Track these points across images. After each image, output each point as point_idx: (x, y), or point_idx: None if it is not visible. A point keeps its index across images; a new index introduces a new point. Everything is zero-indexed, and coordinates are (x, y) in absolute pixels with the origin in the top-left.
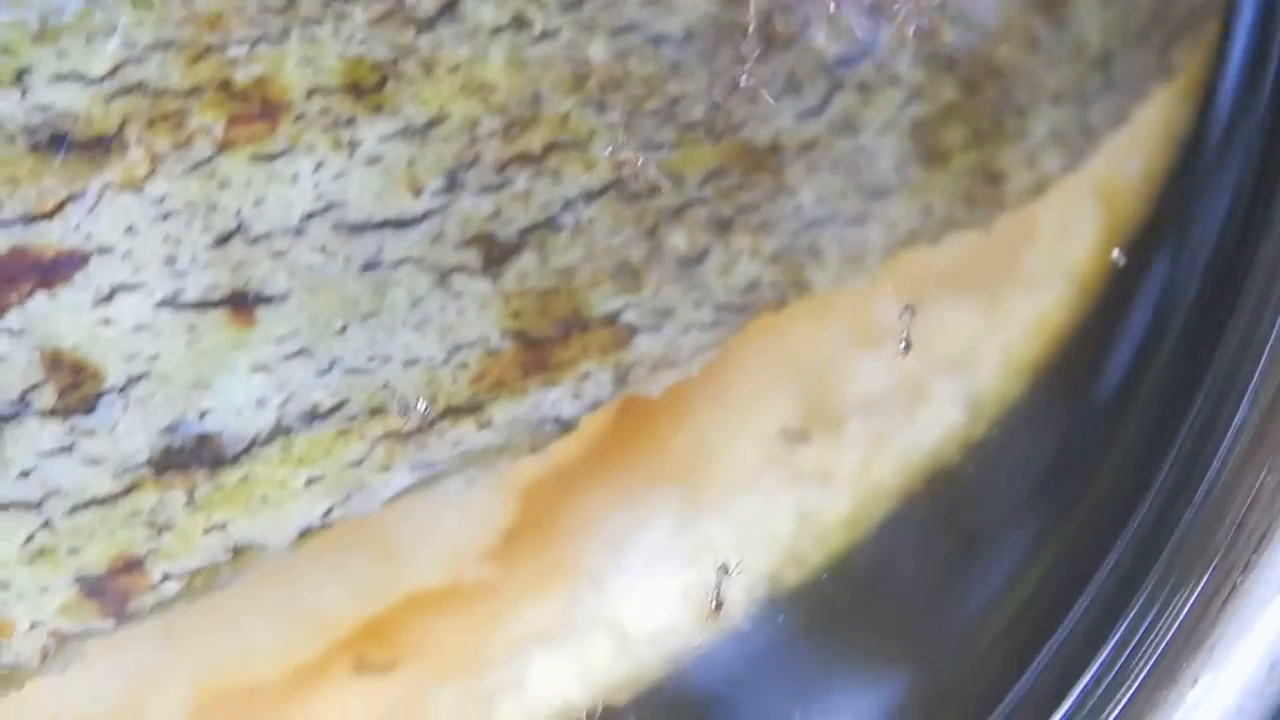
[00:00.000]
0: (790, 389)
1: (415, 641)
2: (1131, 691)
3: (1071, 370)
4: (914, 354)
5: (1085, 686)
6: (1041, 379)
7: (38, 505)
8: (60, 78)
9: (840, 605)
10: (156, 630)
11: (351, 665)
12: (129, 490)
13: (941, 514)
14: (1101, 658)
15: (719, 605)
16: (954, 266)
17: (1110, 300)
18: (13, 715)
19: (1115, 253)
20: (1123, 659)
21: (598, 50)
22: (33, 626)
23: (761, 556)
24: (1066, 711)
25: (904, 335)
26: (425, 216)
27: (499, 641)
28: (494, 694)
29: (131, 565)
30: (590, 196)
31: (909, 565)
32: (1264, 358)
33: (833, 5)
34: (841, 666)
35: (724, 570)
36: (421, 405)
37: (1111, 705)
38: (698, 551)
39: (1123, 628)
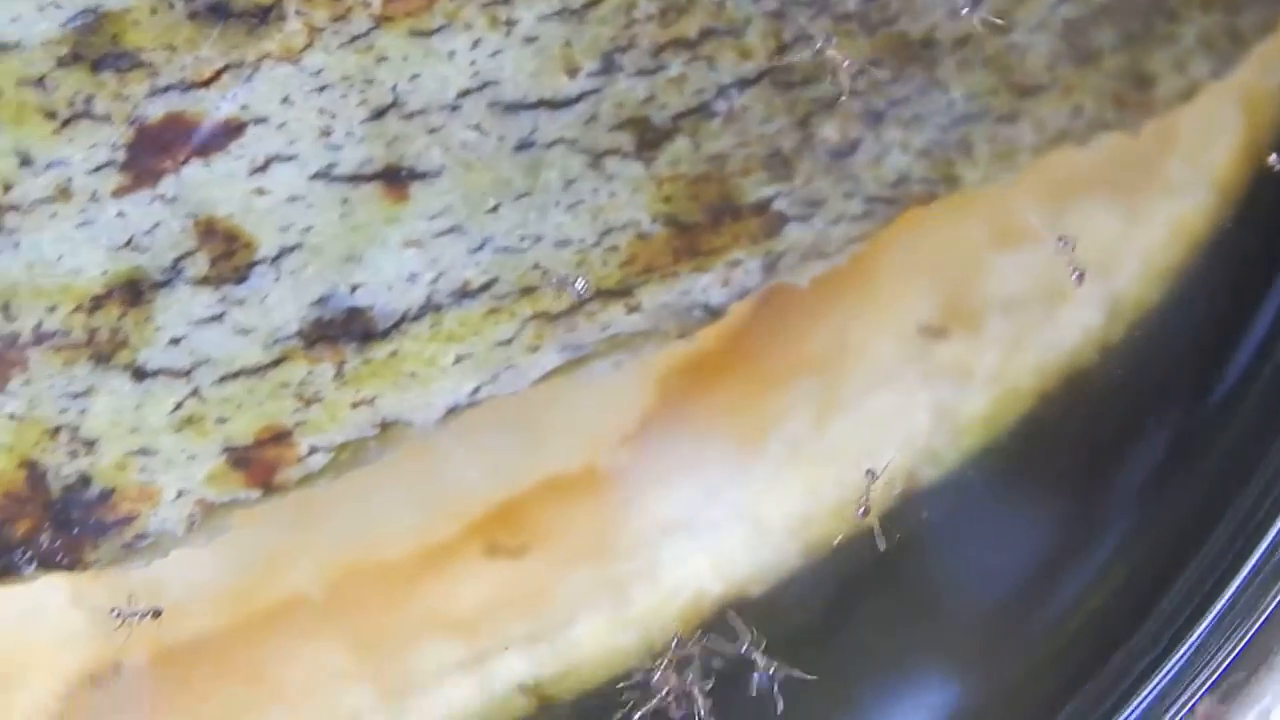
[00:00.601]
0: (931, 285)
1: (548, 526)
2: (1259, 623)
3: (1213, 277)
4: (1055, 254)
5: (1219, 612)
6: (1182, 285)
7: (187, 373)
8: None
9: (978, 505)
10: (294, 506)
11: (483, 548)
12: (278, 361)
13: (1078, 417)
14: (1233, 587)
15: (866, 511)
16: (1096, 169)
17: (1254, 208)
18: (150, 583)
19: (1273, 157)
20: (1251, 589)
21: None
22: (179, 495)
23: (899, 453)
24: (1198, 637)
25: (1074, 268)
26: (580, 98)
27: (633, 529)
28: (626, 581)
29: (279, 436)
30: (744, 84)
31: (1046, 469)
32: None
33: None
34: (979, 567)
35: (871, 475)
36: (580, 284)
37: (1238, 637)
38: (835, 445)
39: (1256, 556)
